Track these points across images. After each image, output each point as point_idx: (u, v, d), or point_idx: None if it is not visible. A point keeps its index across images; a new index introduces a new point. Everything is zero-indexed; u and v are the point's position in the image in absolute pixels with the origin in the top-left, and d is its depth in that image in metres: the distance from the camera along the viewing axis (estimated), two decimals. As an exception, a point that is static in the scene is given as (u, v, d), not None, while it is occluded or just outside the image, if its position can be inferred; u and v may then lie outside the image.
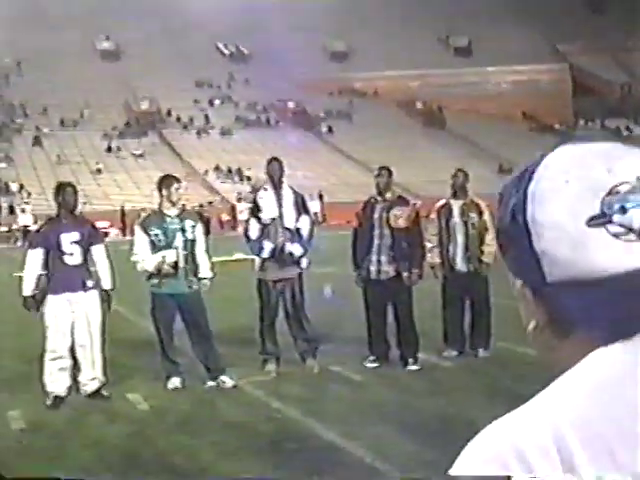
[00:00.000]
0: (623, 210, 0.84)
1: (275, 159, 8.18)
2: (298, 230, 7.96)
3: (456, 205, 8.31)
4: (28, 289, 7.19)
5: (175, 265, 7.43)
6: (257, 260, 8.06)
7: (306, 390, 7.34)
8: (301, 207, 8.07)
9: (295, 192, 8.15)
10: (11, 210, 47.89)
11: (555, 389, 0.86)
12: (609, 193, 0.84)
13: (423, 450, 5.47)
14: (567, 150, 0.90)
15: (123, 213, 41.00)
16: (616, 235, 0.84)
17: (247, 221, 8.20)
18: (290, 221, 7.94)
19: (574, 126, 75.71)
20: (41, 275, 7.15)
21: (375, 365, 8.02)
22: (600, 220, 0.84)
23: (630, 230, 0.84)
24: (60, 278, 7.13)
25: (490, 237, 8.15)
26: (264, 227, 7.91)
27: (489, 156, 61.21)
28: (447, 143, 64.68)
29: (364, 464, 5.24)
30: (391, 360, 8.05)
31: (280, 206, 7.95)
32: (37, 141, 59.58)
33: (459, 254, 8.24)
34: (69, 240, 7.13)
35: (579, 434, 0.80)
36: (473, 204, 8.34)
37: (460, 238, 8.24)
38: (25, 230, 42.16)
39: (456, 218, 8.26)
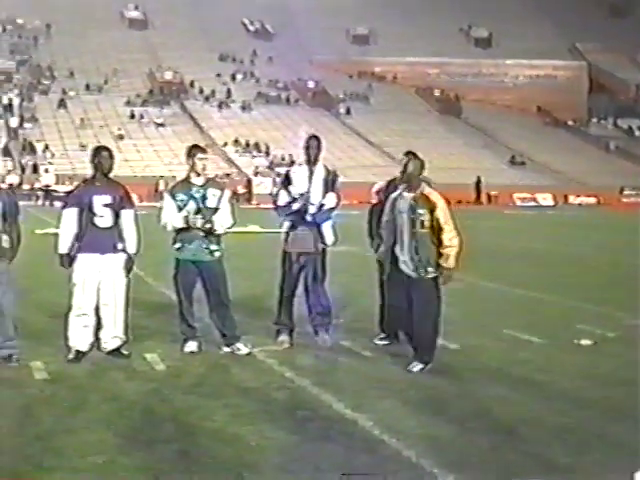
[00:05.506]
0: None
1: (315, 137, 8.14)
2: (323, 206, 7.97)
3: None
4: (64, 247, 7.29)
5: (198, 211, 7.52)
6: (283, 232, 8.13)
7: (318, 362, 7.52)
8: (330, 185, 8.05)
9: (328, 170, 8.12)
10: (34, 169, 48.12)
11: None
12: None
13: (427, 425, 5.68)
14: None
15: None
16: None
17: (277, 192, 8.24)
18: (316, 197, 7.97)
19: (587, 123, 75.40)
20: (77, 233, 7.24)
21: (385, 343, 8.10)
22: None
23: None
24: (91, 239, 7.24)
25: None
26: (292, 200, 7.98)
27: (502, 147, 61.07)
28: (462, 132, 64.60)
29: (372, 435, 5.42)
30: (401, 339, 8.04)
31: (310, 182, 7.99)
32: (62, 103, 59.92)
33: None
34: (101, 202, 7.24)
35: None
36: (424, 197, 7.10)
37: None
38: (47, 189, 42.44)
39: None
